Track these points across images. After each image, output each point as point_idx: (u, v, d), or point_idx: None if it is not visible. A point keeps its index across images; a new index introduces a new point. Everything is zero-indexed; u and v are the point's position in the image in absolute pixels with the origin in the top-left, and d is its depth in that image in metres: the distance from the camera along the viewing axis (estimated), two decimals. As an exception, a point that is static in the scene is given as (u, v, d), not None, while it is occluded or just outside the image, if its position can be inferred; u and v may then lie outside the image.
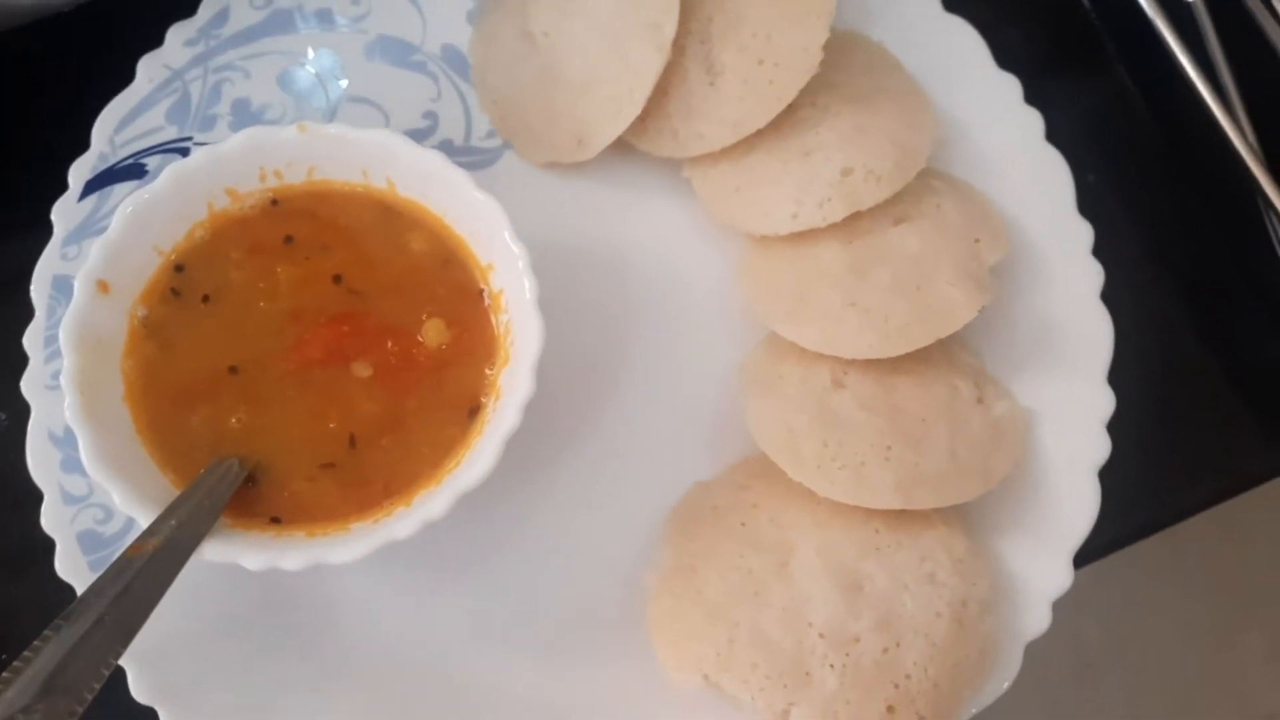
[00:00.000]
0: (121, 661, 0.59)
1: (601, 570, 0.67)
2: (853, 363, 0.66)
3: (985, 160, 0.73)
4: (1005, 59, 0.75)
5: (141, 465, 0.60)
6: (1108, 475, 0.66)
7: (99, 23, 0.78)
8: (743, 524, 0.65)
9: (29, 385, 0.68)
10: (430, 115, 0.75)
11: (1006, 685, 0.63)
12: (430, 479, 0.61)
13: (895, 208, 0.69)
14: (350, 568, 0.58)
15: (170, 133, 0.73)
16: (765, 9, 0.71)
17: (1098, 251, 0.70)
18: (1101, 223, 0.71)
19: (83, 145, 0.72)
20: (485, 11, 0.77)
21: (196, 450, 0.61)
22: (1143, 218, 0.77)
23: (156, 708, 0.62)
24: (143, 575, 0.54)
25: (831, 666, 0.60)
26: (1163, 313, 0.76)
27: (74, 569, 0.64)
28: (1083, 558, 0.65)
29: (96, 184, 0.72)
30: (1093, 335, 0.69)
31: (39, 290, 0.69)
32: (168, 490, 0.60)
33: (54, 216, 0.71)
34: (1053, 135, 0.73)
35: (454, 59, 0.77)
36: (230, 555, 0.57)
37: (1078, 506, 0.66)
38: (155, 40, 0.75)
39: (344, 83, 0.76)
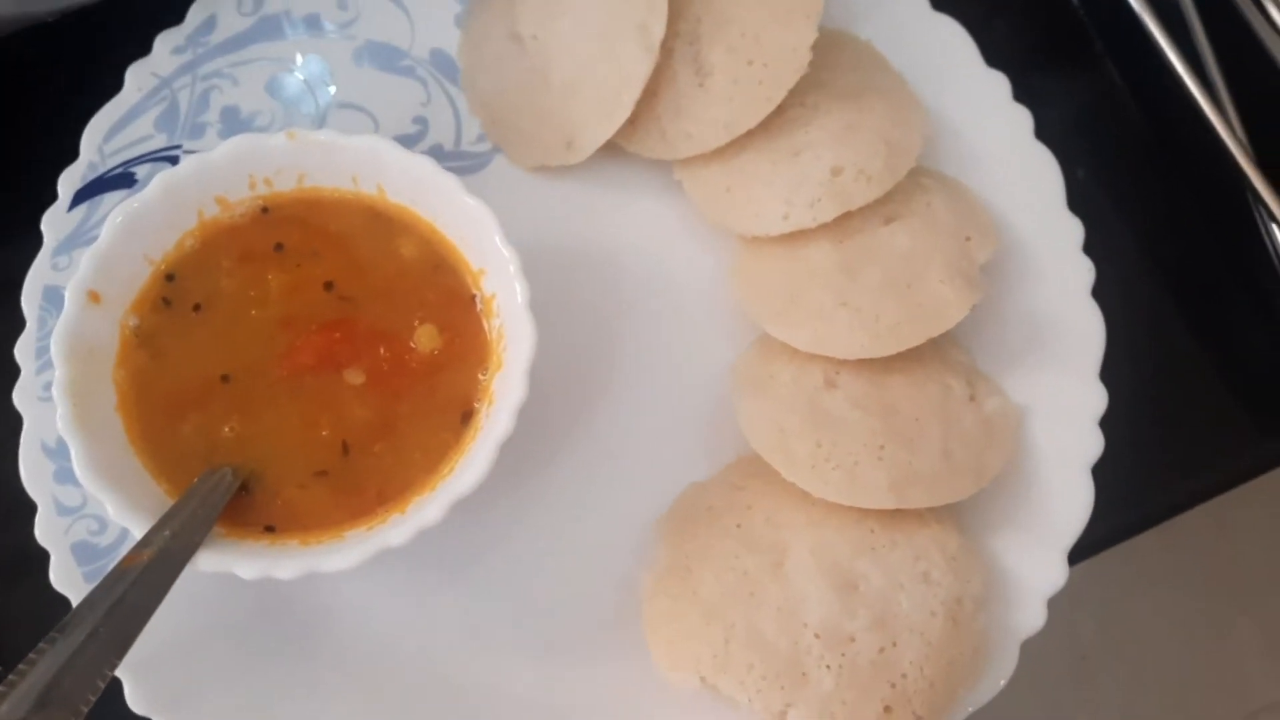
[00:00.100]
0: (118, 672, 0.59)
1: (597, 572, 0.67)
2: (845, 362, 0.66)
3: (975, 158, 0.73)
4: (993, 56, 0.75)
5: (135, 475, 0.60)
6: (1100, 471, 0.66)
7: (86, 31, 0.77)
8: (738, 524, 0.65)
9: (21, 396, 0.68)
10: (420, 120, 0.75)
11: (1003, 683, 0.63)
12: (424, 485, 0.61)
13: (886, 207, 0.69)
14: (346, 574, 0.58)
15: (159, 141, 0.73)
16: (753, 9, 0.71)
17: (1088, 248, 0.71)
18: (1091, 219, 0.71)
19: (72, 155, 0.72)
20: (473, 15, 0.77)
21: (190, 460, 0.61)
22: (1133, 213, 0.77)
23: (153, 718, 0.62)
24: (137, 586, 0.54)
25: (828, 667, 0.60)
26: (1153, 308, 0.76)
27: (69, 580, 0.64)
28: (1077, 554, 0.66)
29: (86, 193, 0.72)
30: (1084, 332, 0.69)
31: (30, 301, 0.69)
32: (161, 500, 0.60)
33: (44, 227, 0.71)
34: (1042, 132, 0.73)
35: (443, 63, 0.77)
36: (225, 565, 0.57)
37: (1071, 503, 0.66)
38: (143, 48, 0.74)
39: (333, 89, 0.75)
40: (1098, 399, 0.67)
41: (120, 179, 0.72)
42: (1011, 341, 0.69)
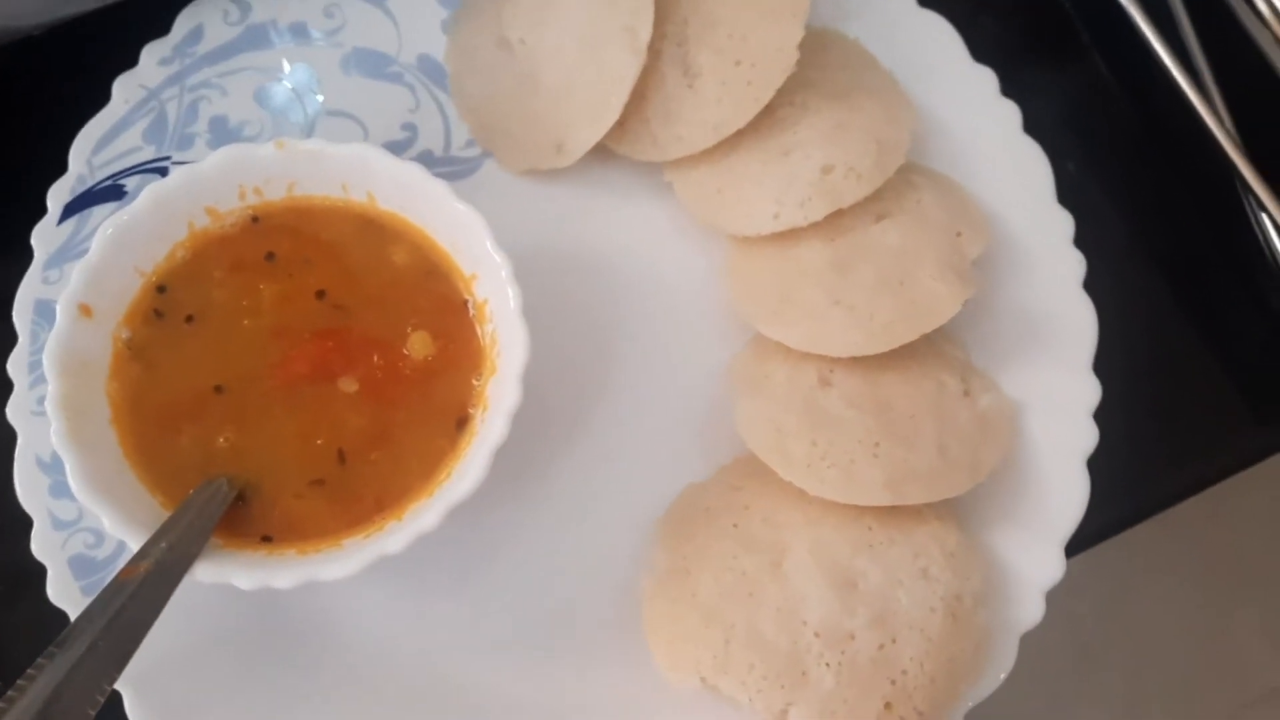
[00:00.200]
0: (117, 685, 0.59)
1: (596, 575, 0.67)
2: (839, 361, 0.66)
3: (964, 154, 0.73)
4: (980, 52, 0.75)
5: (130, 488, 0.60)
6: (1096, 464, 0.66)
7: (73, 44, 0.77)
8: (735, 525, 0.65)
9: (14, 411, 0.67)
10: (409, 126, 0.75)
11: (1003, 677, 0.63)
12: (421, 492, 0.61)
13: (876, 204, 0.69)
14: (344, 583, 0.58)
15: (148, 153, 0.73)
16: (740, 9, 0.71)
17: (1079, 241, 0.71)
18: (1082, 212, 0.71)
19: (60, 168, 0.72)
20: (460, 20, 0.77)
21: (185, 471, 0.61)
22: (1123, 205, 0.77)
23: (154, 731, 0.62)
24: (135, 599, 0.54)
25: (828, 665, 0.60)
26: (1146, 299, 0.76)
27: (66, 594, 0.64)
28: (1074, 546, 0.66)
29: (75, 207, 0.71)
30: (1077, 324, 0.69)
31: (21, 316, 0.69)
32: (158, 512, 0.60)
33: (34, 241, 0.71)
34: (1030, 126, 0.73)
35: (431, 69, 0.76)
36: (222, 576, 0.57)
37: (1067, 496, 0.66)
38: (130, 60, 0.74)
39: (321, 97, 0.75)
40: (1091, 391, 0.67)
41: (109, 191, 0.72)
42: (1005, 336, 0.69)
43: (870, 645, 0.60)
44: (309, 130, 0.75)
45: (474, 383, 0.63)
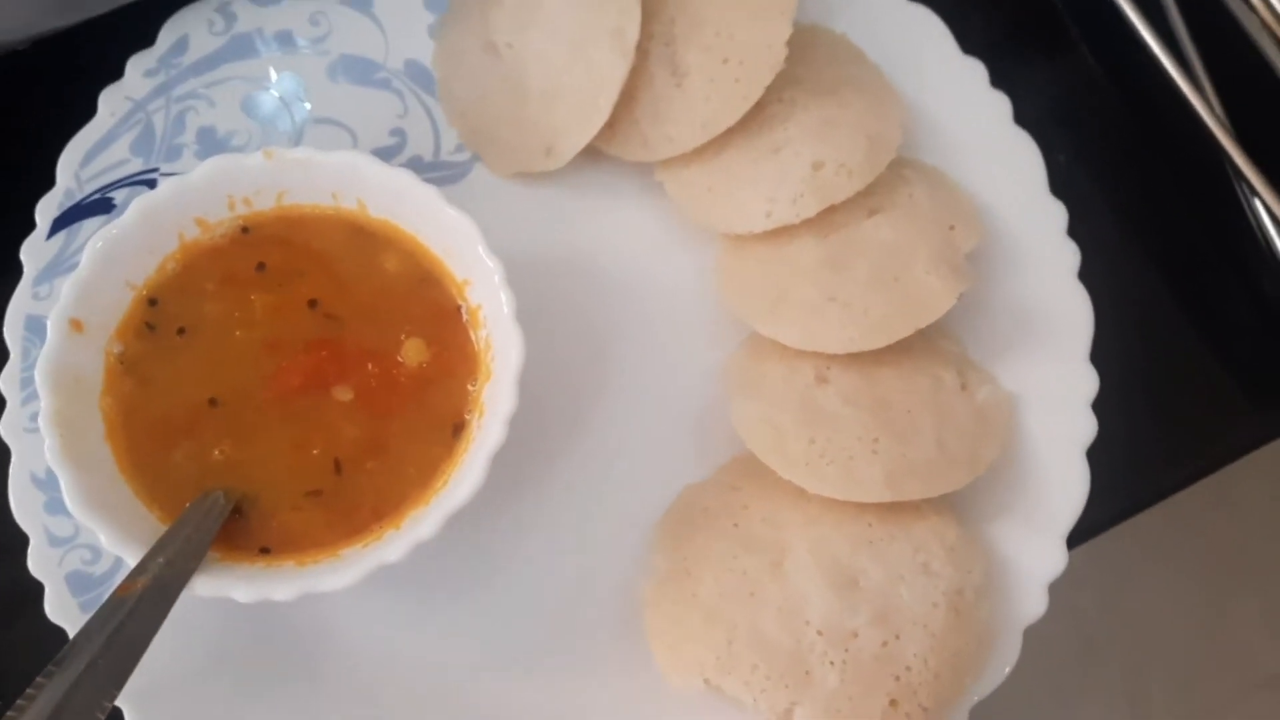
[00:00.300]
0: (118, 702, 0.59)
1: (596, 578, 0.66)
2: (835, 357, 0.66)
3: (955, 147, 0.73)
4: (969, 44, 0.75)
5: (126, 503, 0.60)
6: (1095, 454, 0.66)
7: (58, 57, 0.77)
8: (735, 525, 0.65)
9: (7, 428, 0.67)
10: (398, 132, 0.75)
11: (1007, 670, 0.63)
12: (418, 500, 0.61)
13: (868, 199, 0.69)
14: (344, 593, 0.57)
15: (136, 165, 0.73)
16: (727, 7, 0.71)
17: (1072, 231, 0.71)
18: (1073, 203, 0.71)
19: (48, 182, 0.72)
20: (446, 25, 0.77)
21: (181, 485, 0.61)
22: (1114, 196, 0.77)
23: (156, 746, 0.61)
24: (134, 615, 0.53)
25: (832, 663, 0.60)
26: (1140, 288, 0.76)
27: (64, 611, 0.64)
28: (1075, 538, 0.65)
29: (64, 221, 0.71)
30: (1073, 315, 0.69)
31: (12, 332, 0.69)
32: (154, 527, 0.59)
33: (23, 256, 0.70)
34: (1021, 117, 0.73)
35: (418, 74, 0.76)
36: (221, 589, 0.57)
37: (1067, 488, 0.66)
38: (115, 72, 0.74)
39: (308, 105, 0.75)
40: (1089, 382, 0.67)
41: (98, 205, 0.71)
42: (1000, 329, 0.69)
43: (873, 642, 0.60)
44: (297, 139, 0.74)
45: (469, 388, 0.63)
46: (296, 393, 0.63)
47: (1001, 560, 0.65)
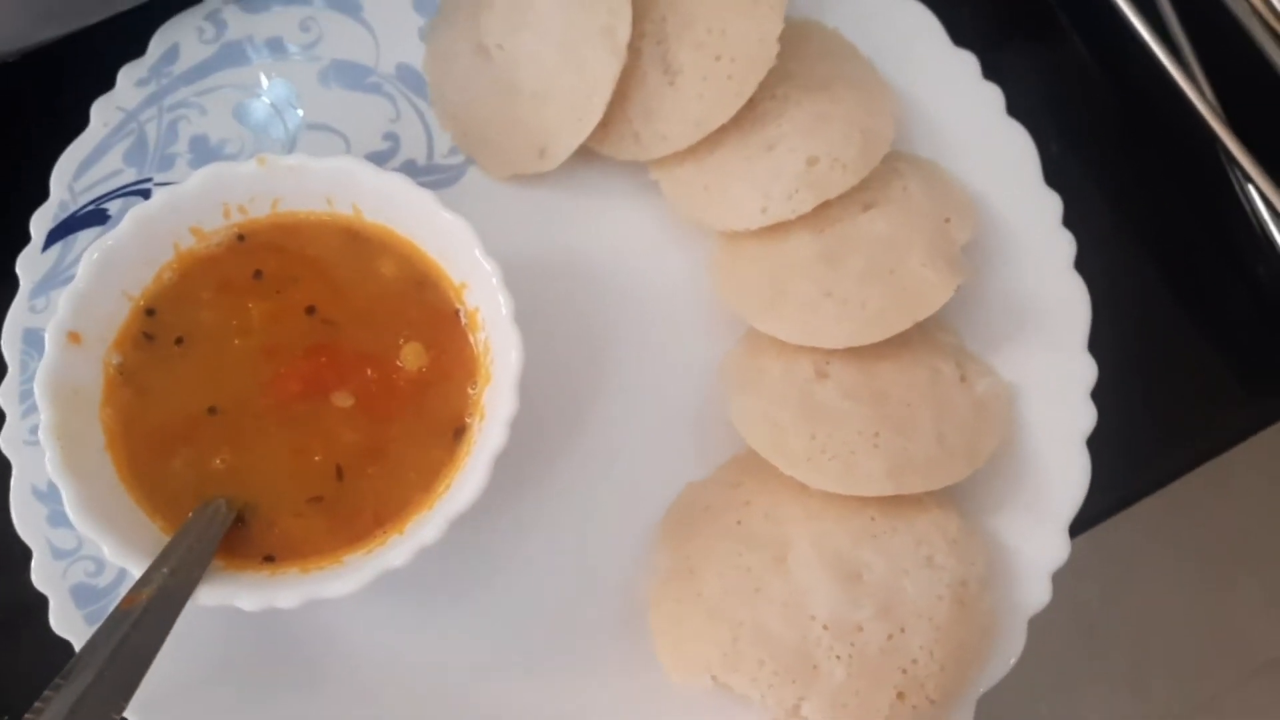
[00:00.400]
0: (126, 714, 0.59)
1: (597, 579, 0.66)
2: (834, 352, 0.66)
3: (948, 139, 0.73)
4: (960, 36, 0.75)
5: (129, 514, 0.60)
6: (1093, 444, 0.66)
7: (47, 69, 0.77)
8: (738, 522, 0.65)
9: (7, 442, 0.67)
10: (391, 137, 0.75)
11: (1013, 661, 0.63)
12: (421, 504, 0.61)
13: (863, 194, 0.69)
14: (348, 599, 0.57)
15: (129, 175, 0.72)
16: (718, 4, 0.71)
17: (1067, 221, 0.71)
18: (1067, 193, 0.71)
19: (42, 195, 0.71)
20: (437, 28, 0.76)
21: (182, 495, 0.61)
22: (1107, 185, 0.77)
23: (164, 756, 0.61)
24: (140, 626, 0.53)
25: (838, 657, 0.60)
26: (1133, 277, 0.76)
27: (69, 624, 0.64)
28: (1076, 527, 0.66)
29: (59, 233, 0.71)
30: (1070, 306, 0.69)
31: (10, 345, 0.68)
32: (157, 537, 0.59)
33: (18, 269, 0.70)
34: (1013, 108, 0.73)
35: (410, 78, 0.76)
36: (225, 598, 0.57)
37: (1069, 477, 0.66)
38: (107, 83, 0.74)
39: (301, 111, 0.75)
40: (1088, 371, 0.67)
41: (93, 216, 0.71)
42: (998, 320, 0.69)
43: (879, 636, 0.60)
44: (290, 145, 0.74)
45: (469, 392, 0.63)
46: (296, 399, 0.63)
47: (1004, 551, 0.65)
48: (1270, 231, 0.74)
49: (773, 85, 0.70)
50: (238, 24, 0.76)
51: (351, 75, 0.76)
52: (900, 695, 0.60)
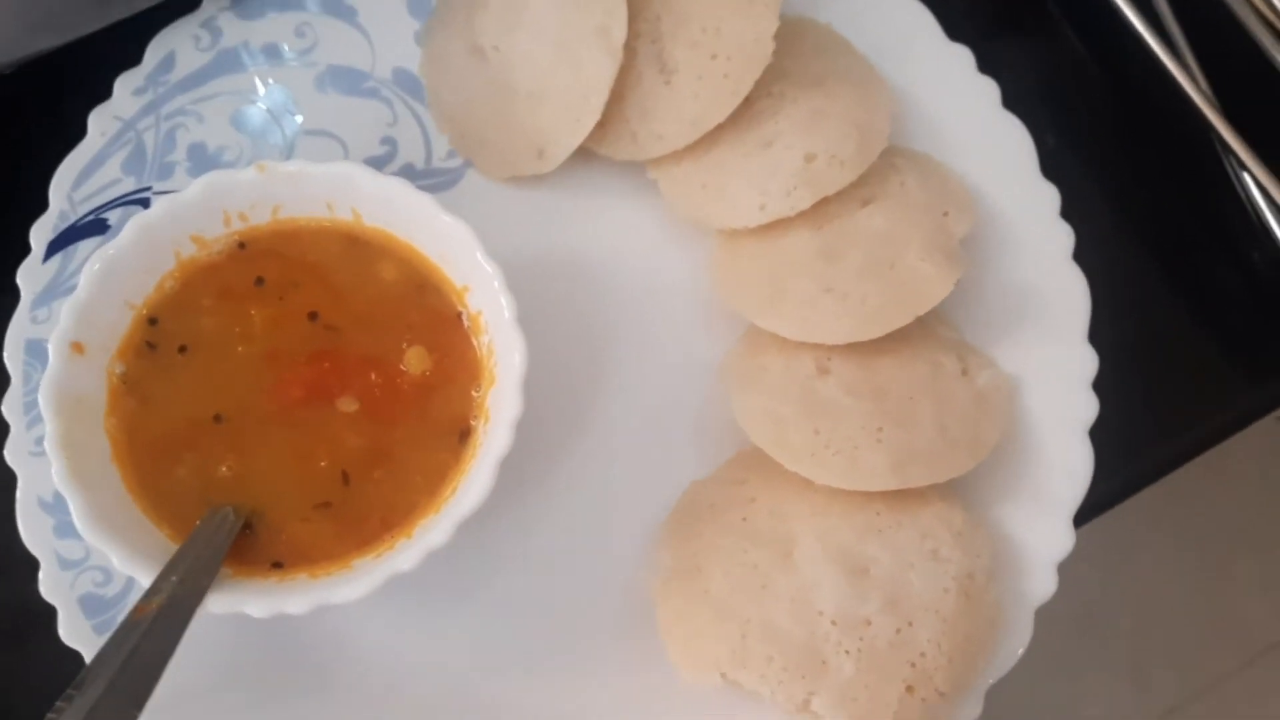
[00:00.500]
0: (137, 722, 0.59)
1: (601, 578, 0.67)
2: (835, 348, 0.66)
3: (945, 133, 0.73)
4: (955, 30, 0.75)
5: (136, 523, 0.60)
6: (1093, 434, 0.67)
7: (44, 79, 0.77)
8: (743, 519, 0.65)
9: (13, 453, 0.67)
10: (388, 141, 0.75)
11: (1020, 652, 0.63)
12: (427, 507, 0.61)
13: (861, 189, 0.69)
14: (357, 604, 0.58)
15: (128, 185, 0.73)
16: (713, 3, 0.71)
17: (1064, 213, 0.71)
18: (1063, 184, 0.71)
19: (41, 206, 0.71)
20: (432, 31, 0.77)
21: (190, 503, 0.61)
22: (1104, 176, 0.77)
23: (177, 764, 0.61)
24: (150, 635, 0.53)
25: (846, 652, 0.60)
26: (1133, 267, 0.76)
27: (79, 635, 0.64)
28: (1077, 516, 0.66)
29: (59, 244, 0.71)
30: (1069, 296, 0.69)
31: (12, 357, 0.69)
32: (165, 546, 0.59)
33: (19, 280, 0.70)
34: (1009, 101, 0.73)
35: (406, 82, 0.76)
36: (235, 605, 0.57)
37: (1072, 468, 0.66)
38: (104, 93, 0.74)
39: (299, 117, 0.75)
40: (1088, 362, 0.68)
41: (93, 226, 0.71)
42: (998, 313, 0.70)
43: (887, 629, 0.61)
44: (289, 151, 0.74)
45: (473, 394, 0.63)
46: (300, 405, 0.63)
47: (1009, 542, 0.65)
48: (1266, 219, 0.74)
49: (769, 83, 0.70)
50: (233, 31, 0.76)
51: (348, 80, 0.76)
52: (909, 688, 0.60)
